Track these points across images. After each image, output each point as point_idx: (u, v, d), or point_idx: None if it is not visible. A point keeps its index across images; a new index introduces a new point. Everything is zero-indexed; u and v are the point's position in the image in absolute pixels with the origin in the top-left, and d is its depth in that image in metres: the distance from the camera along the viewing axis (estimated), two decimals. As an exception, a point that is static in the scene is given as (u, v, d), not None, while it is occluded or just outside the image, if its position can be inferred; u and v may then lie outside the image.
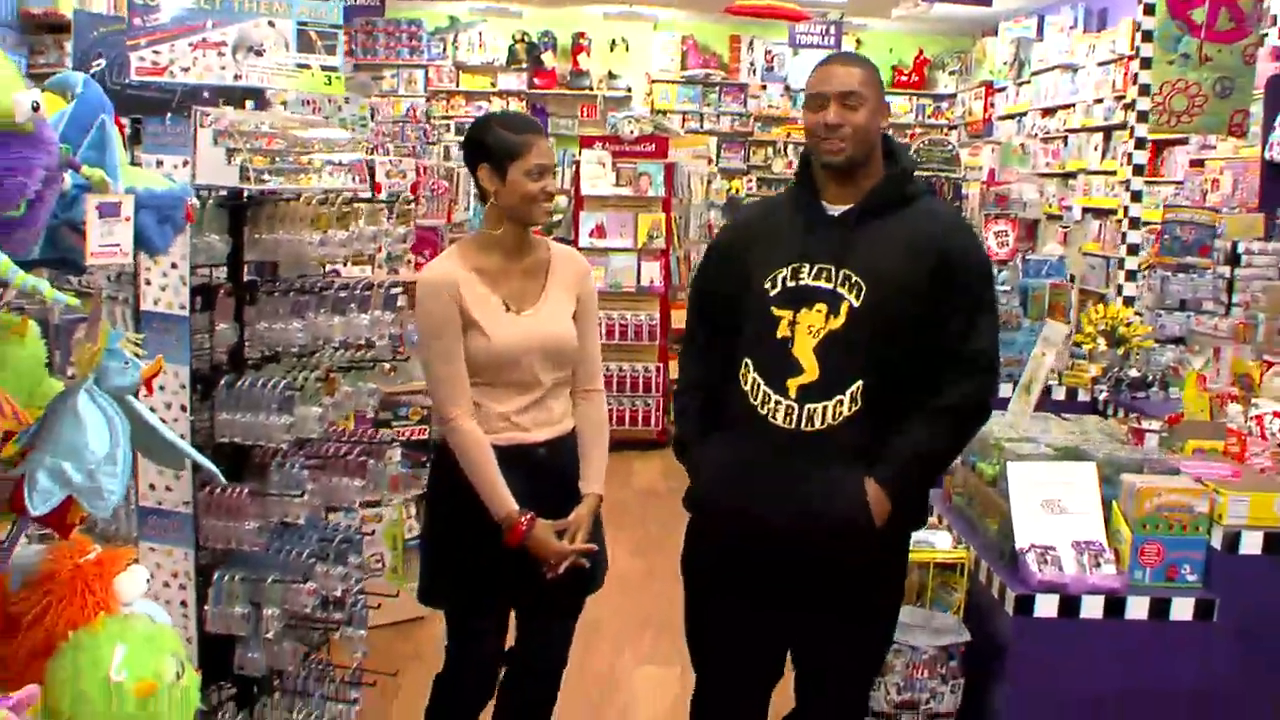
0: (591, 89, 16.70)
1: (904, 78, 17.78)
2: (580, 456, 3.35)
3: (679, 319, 8.90)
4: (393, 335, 3.22)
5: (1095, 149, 12.13)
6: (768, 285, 3.00)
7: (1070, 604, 3.18)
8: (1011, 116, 15.05)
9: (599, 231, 8.67)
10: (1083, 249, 9.72)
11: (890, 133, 3.15)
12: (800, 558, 2.94)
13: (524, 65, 16.73)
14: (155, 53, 2.63)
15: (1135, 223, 5.57)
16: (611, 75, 16.78)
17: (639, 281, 8.70)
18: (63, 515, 1.68)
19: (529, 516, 3.12)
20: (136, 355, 1.71)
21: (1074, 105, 12.81)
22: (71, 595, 1.76)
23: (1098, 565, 3.21)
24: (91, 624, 1.70)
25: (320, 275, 3.04)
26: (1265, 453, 3.44)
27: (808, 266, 2.98)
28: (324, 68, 2.79)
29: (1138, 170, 5.87)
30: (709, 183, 10.69)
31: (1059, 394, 5.31)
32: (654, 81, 17.11)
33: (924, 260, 2.95)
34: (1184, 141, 10.03)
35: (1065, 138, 13.04)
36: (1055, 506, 3.33)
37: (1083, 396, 5.31)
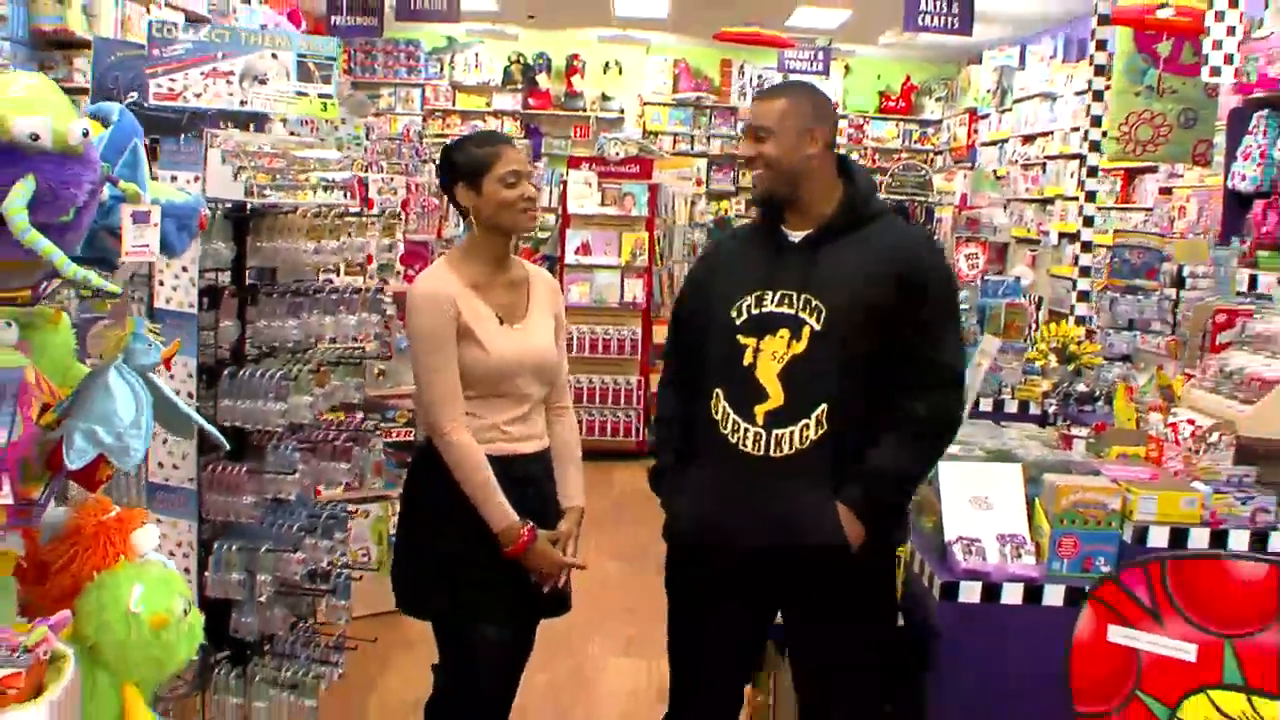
0: (585, 110, 17.09)
1: (891, 103, 18.15)
2: (558, 472, 3.38)
3: (660, 334, 9.18)
4: (379, 335, 3.50)
5: (1071, 175, 12.45)
6: (733, 314, 3.04)
7: (992, 590, 3.45)
8: (994, 143, 15.40)
9: (584, 249, 8.99)
10: (1051, 271, 10.05)
11: (853, 156, 3.26)
12: (779, 580, 3.03)
13: (519, 86, 17.13)
14: (171, 80, 2.95)
15: (1087, 246, 5.90)
16: (605, 97, 17.19)
17: (622, 298, 9.00)
18: (92, 472, 1.99)
19: (530, 528, 3.14)
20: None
21: (1052, 133, 13.11)
22: (95, 546, 2.06)
23: (1019, 556, 3.47)
24: (114, 567, 2.00)
25: (314, 280, 3.32)
26: (1179, 457, 3.74)
27: (771, 293, 3.02)
28: (320, 95, 3.10)
29: (1090, 197, 6.19)
30: (693, 204, 11.01)
31: (1012, 407, 5.61)
32: (646, 104, 17.51)
33: (887, 278, 2.99)
34: (1154, 170, 10.37)
35: (1044, 164, 13.34)
36: (983, 503, 3.60)
37: (1034, 410, 5.61)
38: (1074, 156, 12.46)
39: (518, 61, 17.12)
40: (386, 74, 16.56)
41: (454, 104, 17.03)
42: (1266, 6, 7.35)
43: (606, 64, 17.30)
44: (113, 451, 1.85)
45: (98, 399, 1.87)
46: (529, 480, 3.25)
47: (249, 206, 3.08)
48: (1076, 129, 12.52)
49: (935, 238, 7.65)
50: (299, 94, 3.05)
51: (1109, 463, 3.83)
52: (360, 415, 3.70)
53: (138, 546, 2.08)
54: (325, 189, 2.95)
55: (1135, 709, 1.46)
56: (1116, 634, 1.47)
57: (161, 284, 2.71)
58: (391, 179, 4.86)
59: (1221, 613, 1.40)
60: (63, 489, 2.20)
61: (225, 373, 3.05)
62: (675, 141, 17.46)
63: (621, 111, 17.10)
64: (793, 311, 2.99)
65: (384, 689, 4.37)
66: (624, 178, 9.09)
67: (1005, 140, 14.90)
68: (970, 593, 3.44)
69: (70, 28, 6.78)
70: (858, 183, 3.13)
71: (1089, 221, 6.01)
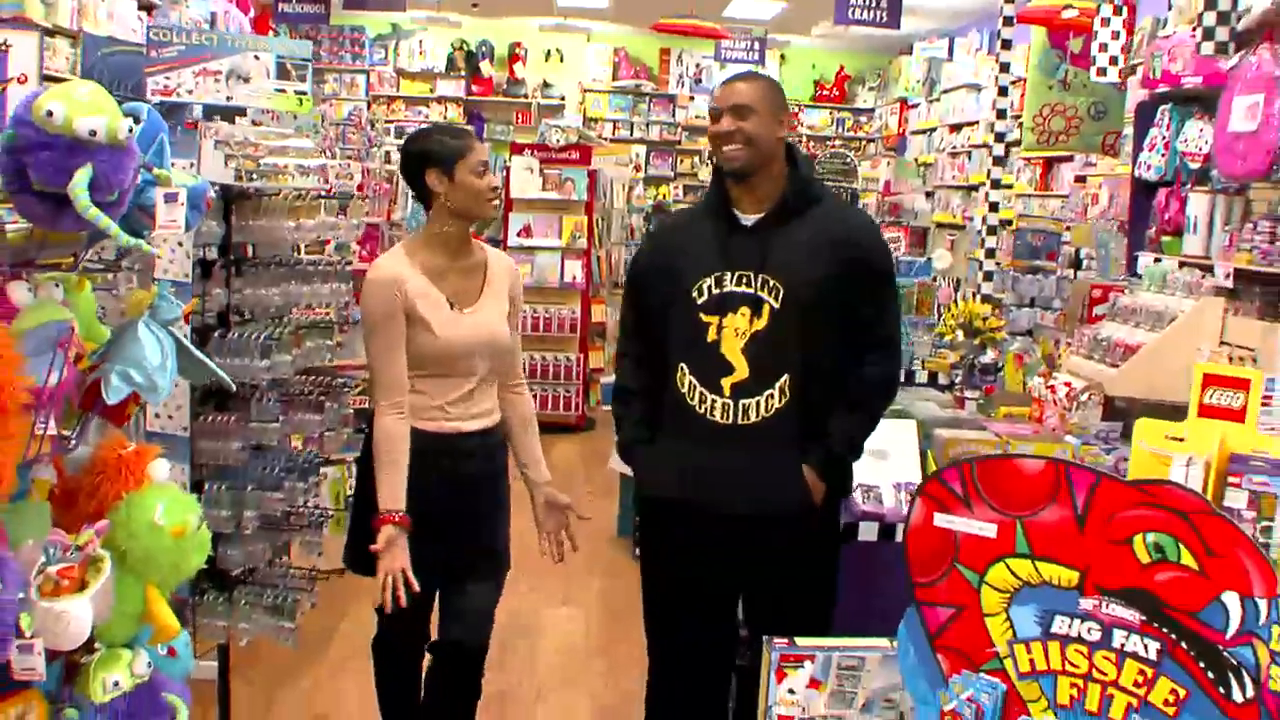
0: (527, 97, 17.40)
1: (825, 92, 18.57)
2: (519, 447, 3.53)
3: (599, 313, 9.61)
4: (339, 306, 3.86)
5: (1001, 163, 12.92)
6: (695, 294, 3.18)
7: (887, 530, 3.89)
8: (923, 131, 15.87)
9: (526, 231, 9.37)
10: (971, 255, 10.54)
11: (798, 143, 3.40)
12: (750, 538, 3.17)
13: (462, 73, 17.40)
14: (167, 78, 3.33)
15: (993, 230, 6.37)
16: (546, 84, 17.48)
17: (562, 278, 9.37)
18: (122, 409, 2.38)
19: (401, 516, 3.18)
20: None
21: (977, 122, 13.53)
22: (117, 475, 2.44)
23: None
24: (139, 488, 2.39)
25: (291, 254, 3.69)
26: (1056, 414, 4.23)
27: (730, 274, 3.16)
28: (296, 91, 3.49)
29: (995, 184, 6.65)
30: (630, 189, 11.42)
31: (922, 377, 6.08)
32: (587, 91, 17.87)
33: (834, 258, 3.15)
34: (1070, 159, 10.87)
35: (969, 153, 13.78)
36: (882, 455, 4.04)
37: (943, 380, 6.09)
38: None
39: (461, 49, 17.40)
40: (332, 60, 16.73)
41: (398, 90, 17.26)
42: (1170, 8, 7.82)
43: (548, 52, 17.59)
44: (143, 389, 2.25)
45: (130, 346, 2.27)
46: (468, 454, 3.36)
47: (236, 189, 3.40)
48: (1003, 115, 13.01)
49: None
50: (278, 90, 3.45)
51: (996, 421, 4.29)
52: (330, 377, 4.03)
53: (153, 475, 2.48)
54: (302, 174, 3.36)
55: (954, 577, 1.90)
56: (939, 520, 1.89)
57: (159, 257, 3.10)
58: (348, 164, 5.22)
59: (1013, 499, 1.83)
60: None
61: (215, 334, 3.40)
62: (615, 128, 17.86)
63: (563, 98, 17.37)
64: (752, 291, 3.15)
65: (355, 616, 4.73)
66: (565, 164, 9.43)
67: (934, 129, 15.36)
68: (868, 532, 3.86)
69: (29, 15, 6.84)
70: (802, 168, 3.29)
71: (994, 207, 6.49)
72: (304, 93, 3.46)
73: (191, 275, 3.17)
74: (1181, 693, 1.71)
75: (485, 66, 17.46)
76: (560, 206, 9.43)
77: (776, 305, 3.13)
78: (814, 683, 2.15)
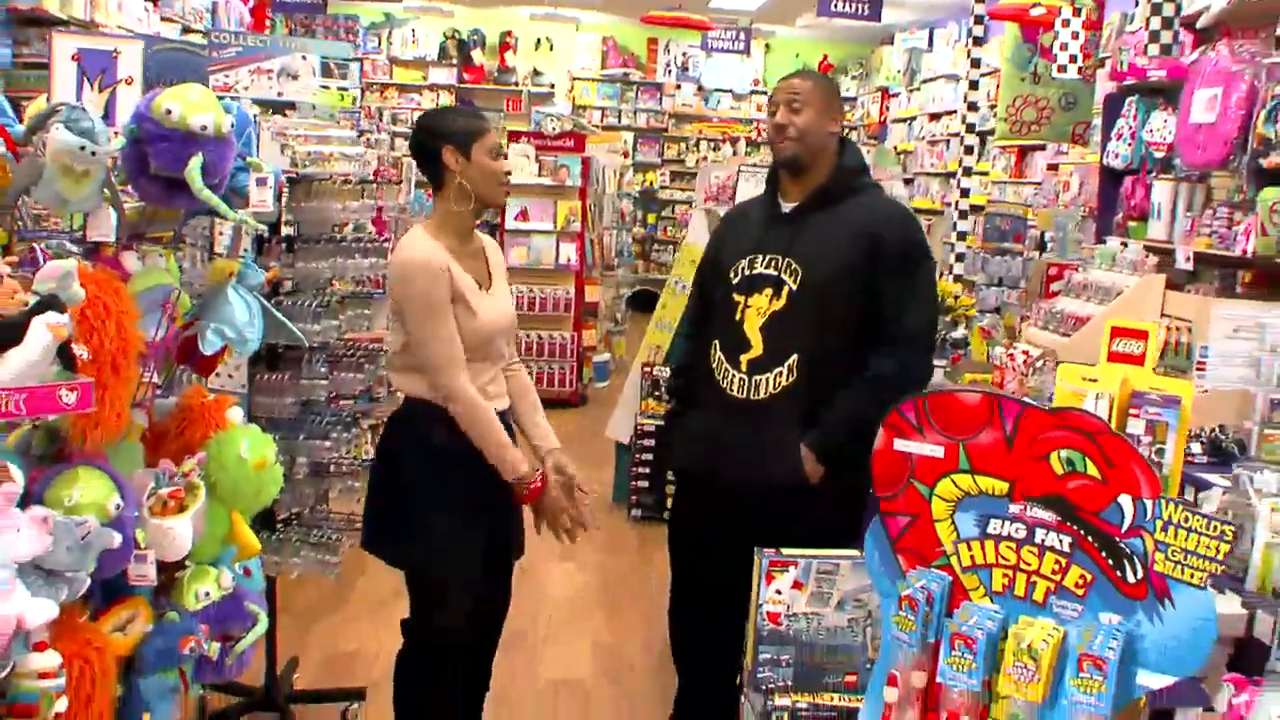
0: (517, 85, 17.71)
1: (809, 81, 18.88)
2: (530, 420, 3.53)
3: (592, 294, 10.00)
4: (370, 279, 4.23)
5: (971, 152, 13.33)
6: (731, 274, 3.37)
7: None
8: (904, 120, 16.26)
9: (523, 215, 9.77)
10: (945, 239, 10.97)
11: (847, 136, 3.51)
12: (756, 508, 3.26)
13: (454, 61, 17.71)
14: (226, 76, 3.76)
15: (964, 214, 6.79)
16: (536, 72, 17.79)
17: (557, 260, 9.77)
18: (213, 360, 2.81)
19: (540, 475, 3.31)
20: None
21: (956, 111, 13.88)
22: (200, 419, 2.85)
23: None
24: (226, 427, 2.80)
25: (337, 232, 4.07)
26: (1014, 379, 4.67)
27: (761, 256, 3.33)
28: (339, 88, 3.91)
29: (967, 171, 7.08)
30: (622, 175, 11.81)
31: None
32: (576, 79, 18.18)
33: (859, 247, 3.26)
34: (1043, 148, 11.29)
35: (948, 141, 14.17)
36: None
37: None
38: (973, 134, 13.33)
39: (453, 37, 17.70)
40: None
41: (391, 77, 17.58)
42: (1137, 4, 8.21)
43: (538, 40, 17.90)
44: (235, 342, 2.68)
45: (222, 307, 2.69)
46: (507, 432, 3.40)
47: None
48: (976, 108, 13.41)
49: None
50: (322, 87, 3.87)
51: (960, 386, 4.73)
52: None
53: (231, 419, 2.89)
54: (346, 160, 3.78)
55: (910, 491, 2.31)
56: (898, 444, 2.30)
57: (221, 233, 3.50)
58: (364, 151, 5.59)
59: (956, 426, 2.25)
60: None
61: (271, 301, 3.80)
62: (604, 115, 18.17)
63: (552, 86, 17.71)
64: (776, 273, 3.30)
65: (376, 566, 5.13)
66: (559, 151, 9.84)
67: (914, 118, 15.76)
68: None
69: (45, 7, 7.10)
70: (847, 161, 3.45)
71: (965, 193, 6.90)
72: (345, 88, 3.88)
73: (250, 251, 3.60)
74: (1089, 577, 2.13)
75: (477, 55, 17.78)
76: (555, 192, 9.81)
77: (795, 287, 3.28)
78: (797, 584, 2.58)
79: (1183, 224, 5.90)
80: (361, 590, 5.31)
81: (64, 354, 2.00)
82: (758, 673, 2.59)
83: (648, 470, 6.75)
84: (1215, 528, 1.98)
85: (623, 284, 11.98)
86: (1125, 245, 5.30)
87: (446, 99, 17.39)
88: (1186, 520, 2.01)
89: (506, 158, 3.43)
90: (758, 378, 3.30)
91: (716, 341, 3.41)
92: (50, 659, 2.04)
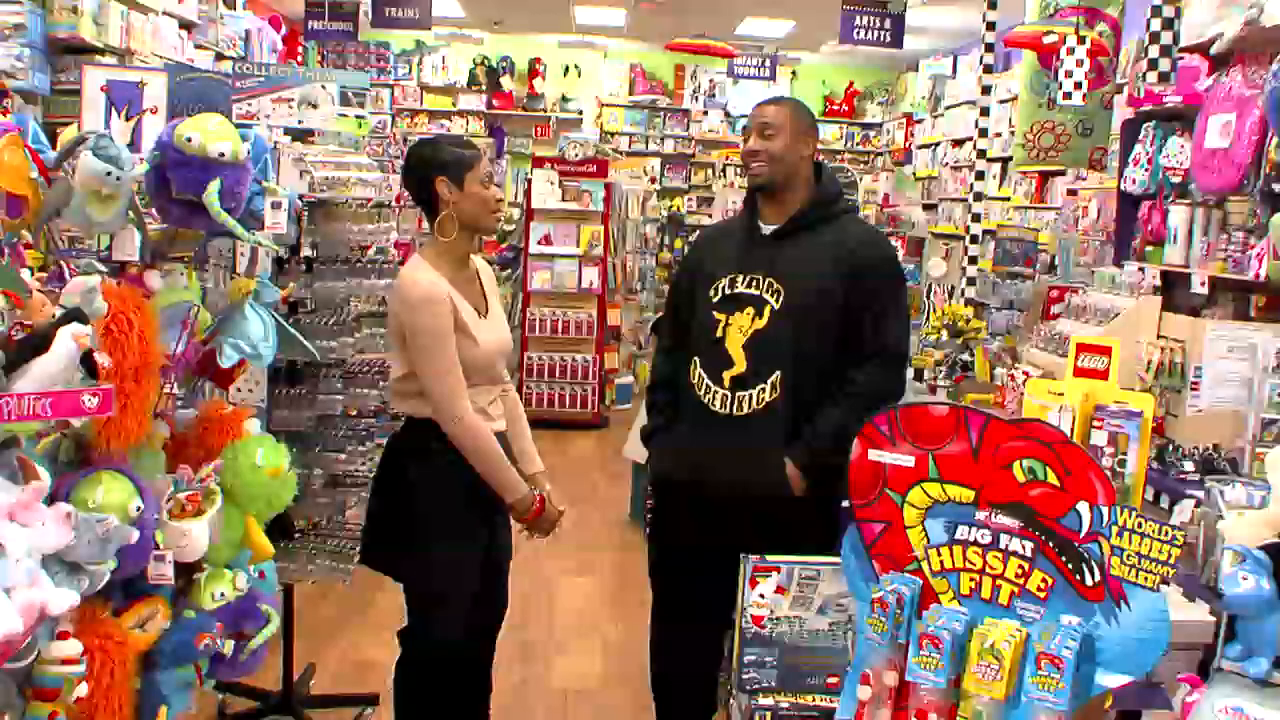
0: (546, 111, 17.89)
1: (835, 107, 18.95)
2: (520, 442, 3.63)
3: (614, 317, 10.12)
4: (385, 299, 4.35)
5: (994, 177, 13.40)
6: (711, 293, 3.44)
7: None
8: (928, 145, 16.29)
9: (547, 240, 9.90)
10: (962, 265, 11.07)
11: (822, 160, 3.59)
12: (738, 519, 3.30)
13: (483, 87, 17.90)
14: (249, 104, 3.93)
15: (975, 239, 6.89)
16: (564, 99, 17.98)
17: (580, 284, 9.89)
18: (231, 373, 2.96)
19: (539, 496, 3.48)
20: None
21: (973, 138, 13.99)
22: (220, 429, 3.00)
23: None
24: (244, 437, 2.95)
25: (357, 253, 4.22)
26: (1015, 399, 4.78)
27: (742, 276, 3.39)
28: (356, 116, 4.08)
29: (978, 197, 7.18)
30: (645, 200, 11.94)
31: (909, 374, 6.63)
32: (604, 105, 18.36)
33: (838, 268, 3.35)
34: (1063, 173, 11.34)
35: (971, 166, 14.13)
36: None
37: (929, 376, 6.65)
38: (996, 159, 13.36)
39: (482, 64, 17.89)
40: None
41: (422, 103, 17.80)
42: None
43: (566, 67, 18.08)
44: (251, 356, 2.83)
45: (239, 323, 2.85)
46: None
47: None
48: (999, 134, 13.47)
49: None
50: (340, 115, 4.04)
51: (929, 400, 4.85)
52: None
53: (249, 429, 3.04)
54: (362, 186, 3.94)
55: (884, 498, 2.42)
56: (872, 454, 2.41)
57: (243, 255, 3.67)
58: (387, 177, 5.76)
59: (926, 436, 2.37)
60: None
61: (290, 320, 3.95)
62: (631, 141, 18.33)
63: (580, 113, 17.87)
64: (758, 292, 3.38)
65: (390, 581, 5.35)
66: (582, 176, 9.96)
67: (938, 143, 15.79)
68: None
69: (82, 35, 7.32)
70: (827, 185, 3.54)
71: (976, 218, 7.00)
72: (362, 116, 4.05)
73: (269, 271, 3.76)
74: (1050, 580, 2.24)
75: (506, 81, 17.95)
76: (578, 216, 9.94)
77: (776, 306, 3.35)
78: (780, 589, 2.70)
79: (1199, 249, 5.94)
80: (379, 604, 5.45)
81: (87, 362, 2.16)
82: (743, 674, 2.71)
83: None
84: (1166, 532, 2.09)
85: (646, 308, 12.11)
86: (1142, 270, 5.37)
87: (476, 125, 17.60)
88: (1140, 526, 2.11)
89: (501, 186, 3.57)
90: (741, 394, 3.38)
91: (697, 358, 3.48)
92: (72, 647, 2.19)
